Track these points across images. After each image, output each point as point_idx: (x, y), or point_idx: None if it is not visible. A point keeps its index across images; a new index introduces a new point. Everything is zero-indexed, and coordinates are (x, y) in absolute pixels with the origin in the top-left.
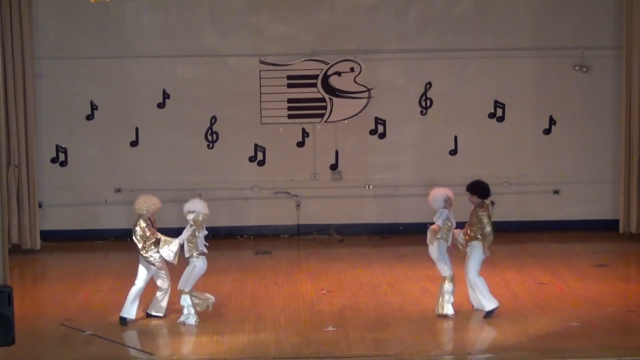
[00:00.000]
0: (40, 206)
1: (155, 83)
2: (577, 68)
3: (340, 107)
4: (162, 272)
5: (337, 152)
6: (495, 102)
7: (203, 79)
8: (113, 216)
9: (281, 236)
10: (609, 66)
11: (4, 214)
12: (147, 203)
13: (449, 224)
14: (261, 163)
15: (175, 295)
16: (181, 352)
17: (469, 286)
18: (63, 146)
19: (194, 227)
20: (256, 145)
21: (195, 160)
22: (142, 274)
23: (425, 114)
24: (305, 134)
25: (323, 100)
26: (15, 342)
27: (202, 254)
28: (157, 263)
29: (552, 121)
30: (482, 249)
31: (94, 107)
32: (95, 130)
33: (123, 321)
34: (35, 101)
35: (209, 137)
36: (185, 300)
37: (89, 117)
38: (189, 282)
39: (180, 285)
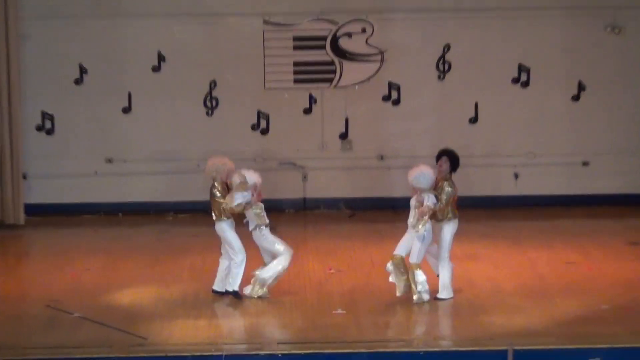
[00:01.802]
0: (24, 178)
1: (149, 45)
2: (609, 29)
3: (351, 71)
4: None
5: (347, 120)
6: (520, 65)
7: (202, 40)
8: (103, 189)
9: (286, 211)
10: None
11: None
12: (215, 164)
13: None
14: (264, 131)
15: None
16: (176, 336)
17: (434, 261)
18: (49, 113)
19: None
20: (259, 112)
21: (193, 129)
22: (235, 242)
23: (443, 78)
24: (312, 100)
25: (332, 63)
26: None
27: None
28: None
29: (581, 87)
30: (453, 227)
31: (83, 71)
32: (84, 96)
33: (237, 295)
34: (20, 64)
35: (208, 104)
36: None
37: (78, 82)
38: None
39: None
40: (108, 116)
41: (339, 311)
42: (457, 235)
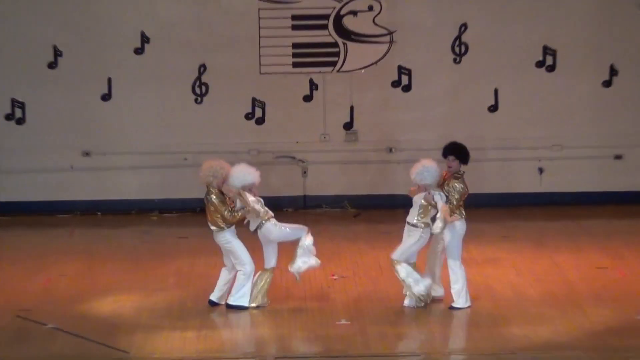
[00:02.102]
0: None
1: (131, 24)
2: None
3: (356, 54)
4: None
5: (352, 108)
6: (545, 47)
7: (190, 19)
8: (80, 185)
9: (284, 210)
10: None
11: None
12: (213, 168)
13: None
14: (260, 121)
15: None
16: (161, 350)
17: (432, 270)
18: (20, 100)
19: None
20: (254, 100)
21: (180, 118)
22: (242, 253)
23: (459, 62)
24: (313, 86)
25: (335, 45)
26: None
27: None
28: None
29: (613, 71)
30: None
31: (57, 53)
32: (59, 81)
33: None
34: None
35: (197, 90)
36: None
37: (52, 66)
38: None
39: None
40: (85, 104)
41: (343, 322)
42: (475, 238)
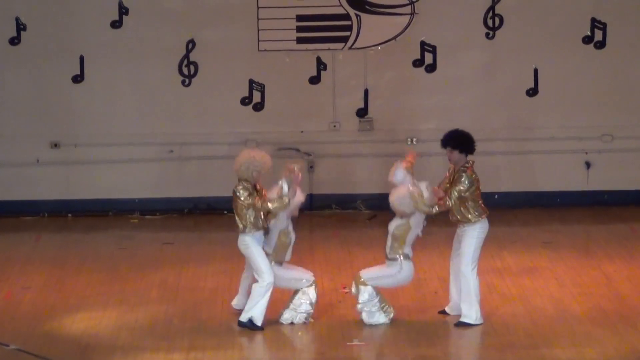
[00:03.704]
0: None
1: None
2: None
3: (372, 28)
4: None
5: (366, 92)
6: (593, 20)
7: None
8: (48, 182)
9: None
10: None
11: None
12: (252, 160)
13: None
14: (259, 107)
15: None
16: None
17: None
18: None
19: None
20: (252, 82)
21: (165, 103)
22: (260, 262)
23: (493, 37)
24: (321, 65)
25: (347, 17)
26: None
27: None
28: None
29: None
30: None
31: (20, 27)
32: (22, 60)
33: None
34: None
35: (185, 70)
36: None
37: (14, 41)
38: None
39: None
40: (54, 87)
41: (356, 342)
42: (510, 244)
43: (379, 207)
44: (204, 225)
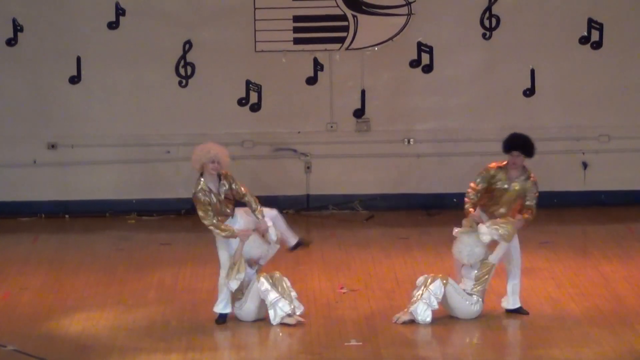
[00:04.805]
0: None
1: None
2: None
3: (369, 28)
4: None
5: (363, 92)
6: (590, 21)
7: None
8: (45, 183)
9: (284, 211)
10: None
11: None
12: (199, 153)
13: None
14: (256, 107)
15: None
16: None
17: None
18: None
19: None
20: (248, 83)
21: (162, 104)
22: (222, 256)
23: (490, 37)
24: (318, 66)
25: (344, 18)
26: None
27: None
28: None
29: None
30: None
31: (17, 28)
32: (19, 61)
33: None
34: None
35: (182, 71)
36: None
37: (11, 42)
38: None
39: None
40: (50, 87)
41: (353, 342)
42: None
43: (376, 208)
44: (201, 226)
